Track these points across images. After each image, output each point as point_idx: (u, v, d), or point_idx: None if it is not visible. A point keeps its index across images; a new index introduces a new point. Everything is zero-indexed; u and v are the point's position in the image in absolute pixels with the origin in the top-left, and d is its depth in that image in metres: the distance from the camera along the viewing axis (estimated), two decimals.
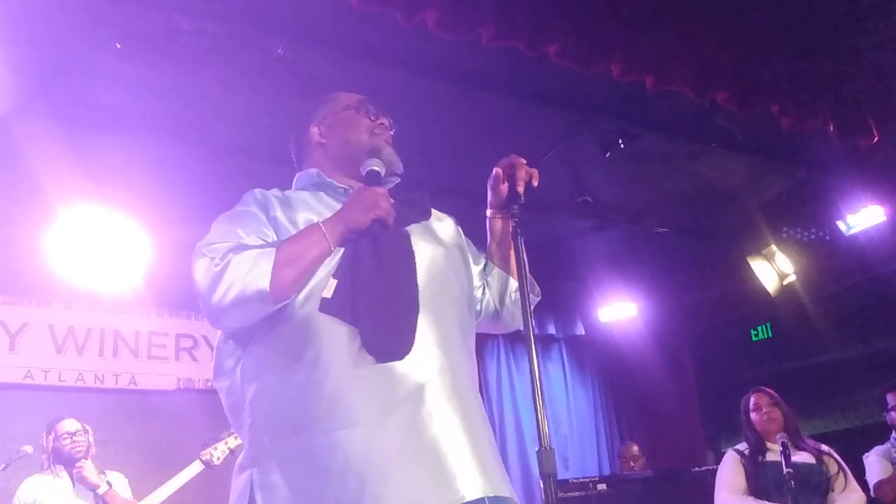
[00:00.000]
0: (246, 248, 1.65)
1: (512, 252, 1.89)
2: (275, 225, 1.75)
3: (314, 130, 1.97)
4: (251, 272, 1.59)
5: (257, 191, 1.84)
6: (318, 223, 1.70)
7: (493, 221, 1.94)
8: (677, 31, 3.65)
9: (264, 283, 1.58)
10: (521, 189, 1.83)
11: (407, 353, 1.60)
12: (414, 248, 1.76)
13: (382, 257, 1.69)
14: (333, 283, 1.65)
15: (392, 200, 1.77)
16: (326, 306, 1.63)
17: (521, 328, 1.73)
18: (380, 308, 1.63)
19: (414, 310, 1.66)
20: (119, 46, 3.47)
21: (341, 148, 1.93)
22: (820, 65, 4.03)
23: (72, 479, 4.20)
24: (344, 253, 1.69)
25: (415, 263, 1.73)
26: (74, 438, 4.24)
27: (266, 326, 1.65)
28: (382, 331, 1.61)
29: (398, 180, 1.95)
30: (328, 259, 1.68)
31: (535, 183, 1.84)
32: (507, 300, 1.94)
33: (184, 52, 3.50)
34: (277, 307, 1.62)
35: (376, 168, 1.83)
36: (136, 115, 4.05)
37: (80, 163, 4.05)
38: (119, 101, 3.95)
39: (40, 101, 3.83)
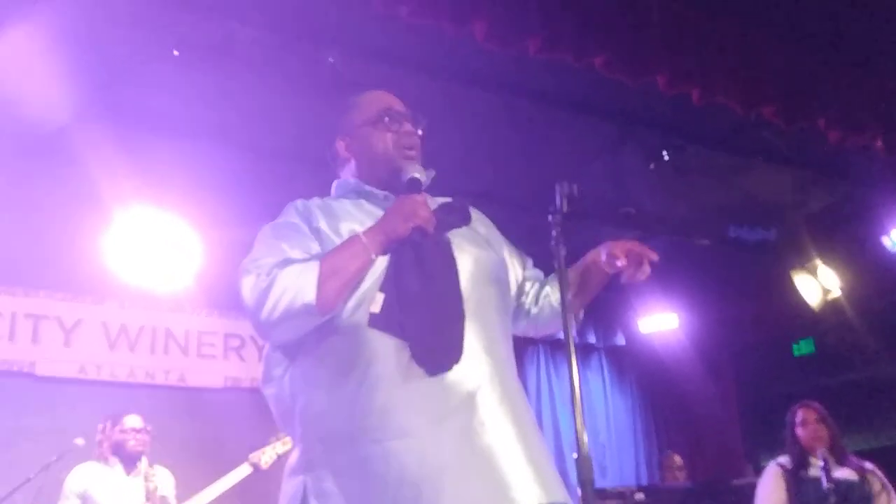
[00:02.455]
0: (291, 262, 1.66)
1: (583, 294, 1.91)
2: (318, 236, 1.75)
3: (340, 144, 1.94)
4: (296, 286, 1.60)
5: (299, 202, 1.84)
6: (358, 234, 1.69)
7: (597, 269, 1.88)
8: (724, 45, 3.65)
9: (310, 296, 1.60)
10: (642, 278, 1.80)
11: (456, 362, 1.60)
12: (456, 254, 1.74)
13: (425, 267, 1.69)
14: (381, 297, 1.65)
15: (433, 206, 1.78)
16: (375, 321, 1.63)
17: (562, 335, 1.71)
18: (427, 320, 1.63)
19: (460, 318, 1.66)
20: (176, 54, 3.58)
21: (369, 165, 1.90)
22: (868, 79, 4.00)
23: (125, 471, 4.24)
24: (388, 263, 1.69)
25: (457, 271, 1.71)
26: (137, 436, 4.29)
27: (314, 338, 1.66)
28: (431, 343, 1.62)
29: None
30: (373, 269, 1.67)
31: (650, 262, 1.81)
32: (546, 306, 1.95)
33: (238, 60, 3.61)
34: (325, 318, 1.63)
35: (417, 175, 1.81)
36: (189, 121, 4.15)
37: (135, 167, 4.16)
38: (173, 107, 4.04)
39: (99, 108, 3.93)
